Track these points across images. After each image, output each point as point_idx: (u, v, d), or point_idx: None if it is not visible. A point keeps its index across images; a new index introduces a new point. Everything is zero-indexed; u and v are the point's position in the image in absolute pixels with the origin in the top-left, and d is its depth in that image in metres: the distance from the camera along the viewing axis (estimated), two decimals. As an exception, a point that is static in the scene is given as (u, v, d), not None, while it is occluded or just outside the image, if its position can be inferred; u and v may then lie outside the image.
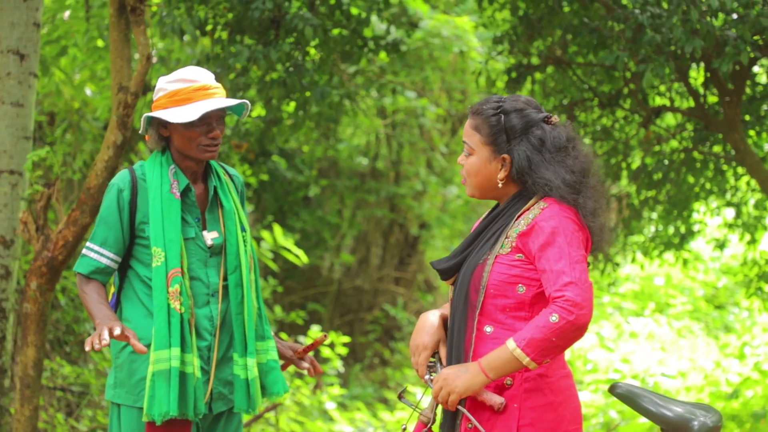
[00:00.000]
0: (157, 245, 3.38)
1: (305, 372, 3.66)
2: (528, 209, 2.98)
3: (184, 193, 3.47)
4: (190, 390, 3.34)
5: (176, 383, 3.31)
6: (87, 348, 3.09)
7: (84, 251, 3.47)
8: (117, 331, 3.15)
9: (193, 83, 3.40)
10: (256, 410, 3.48)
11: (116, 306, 3.50)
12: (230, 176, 3.62)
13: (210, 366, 3.43)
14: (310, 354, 3.68)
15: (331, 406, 9.12)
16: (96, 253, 3.44)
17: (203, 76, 3.45)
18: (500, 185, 3.02)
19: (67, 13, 6.81)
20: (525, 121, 2.99)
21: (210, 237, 3.46)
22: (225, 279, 3.47)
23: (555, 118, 3.03)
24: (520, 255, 2.95)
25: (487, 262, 2.97)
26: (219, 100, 3.42)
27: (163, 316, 3.34)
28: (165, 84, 3.44)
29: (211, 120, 3.42)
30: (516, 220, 2.98)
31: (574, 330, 2.81)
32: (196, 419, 3.40)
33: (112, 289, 3.59)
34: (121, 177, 3.46)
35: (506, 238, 2.97)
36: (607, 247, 3.06)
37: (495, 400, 2.91)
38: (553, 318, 2.81)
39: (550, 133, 2.99)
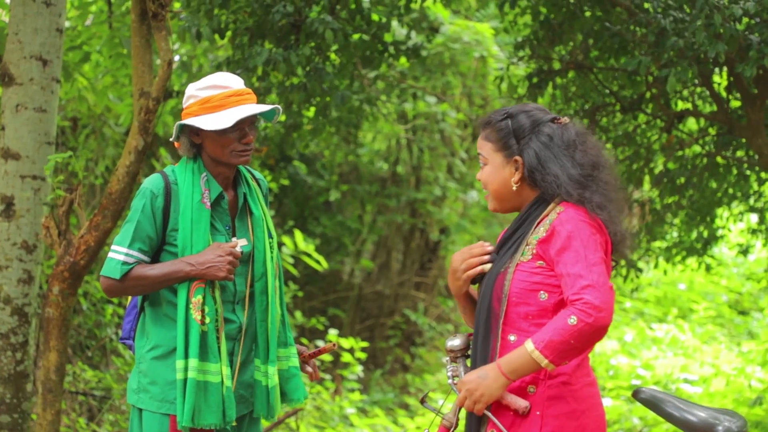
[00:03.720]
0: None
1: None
2: (546, 215, 2.97)
3: (217, 201, 3.44)
4: (213, 400, 3.32)
5: (192, 393, 3.28)
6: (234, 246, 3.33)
7: (112, 255, 3.37)
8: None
9: (225, 90, 3.36)
10: (274, 417, 3.48)
11: (140, 314, 3.48)
12: (257, 180, 3.61)
13: (233, 371, 3.43)
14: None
15: (351, 411, 9.11)
16: (125, 255, 3.36)
17: (235, 82, 3.41)
18: (515, 188, 3.01)
19: (89, 20, 6.84)
20: (532, 120, 3.02)
21: (239, 244, 3.44)
22: (251, 286, 3.46)
23: (563, 119, 3.05)
24: (541, 262, 2.94)
25: (509, 270, 2.96)
26: (252, 106, 3.38)
27: (181, 326, 3.31)
28: (195, 91, 3.39)
29: (244, 125, 3.38)
30: (536, 227, 2.97)
31: (593, 332, 2.80)
32: (227, 427, 3.39)
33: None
34: (155, 183, 3.39)
35: (527, 245, 2.97)
36: (628, 250, 3.04)
37: (520, 403, 2.89)
38: (572, 320, 2.80)
39: (557, 130, 3.01)
